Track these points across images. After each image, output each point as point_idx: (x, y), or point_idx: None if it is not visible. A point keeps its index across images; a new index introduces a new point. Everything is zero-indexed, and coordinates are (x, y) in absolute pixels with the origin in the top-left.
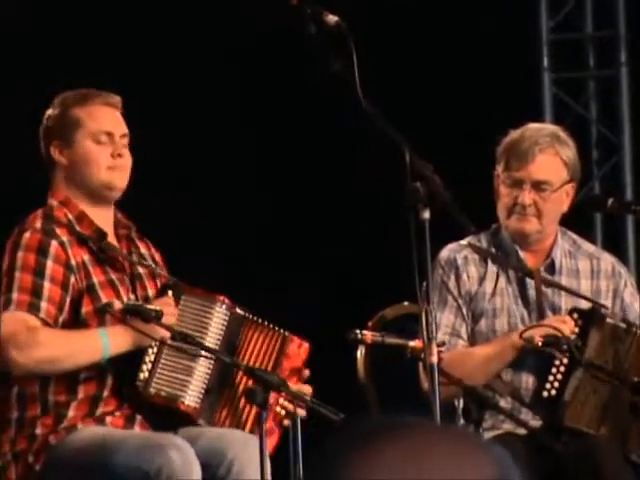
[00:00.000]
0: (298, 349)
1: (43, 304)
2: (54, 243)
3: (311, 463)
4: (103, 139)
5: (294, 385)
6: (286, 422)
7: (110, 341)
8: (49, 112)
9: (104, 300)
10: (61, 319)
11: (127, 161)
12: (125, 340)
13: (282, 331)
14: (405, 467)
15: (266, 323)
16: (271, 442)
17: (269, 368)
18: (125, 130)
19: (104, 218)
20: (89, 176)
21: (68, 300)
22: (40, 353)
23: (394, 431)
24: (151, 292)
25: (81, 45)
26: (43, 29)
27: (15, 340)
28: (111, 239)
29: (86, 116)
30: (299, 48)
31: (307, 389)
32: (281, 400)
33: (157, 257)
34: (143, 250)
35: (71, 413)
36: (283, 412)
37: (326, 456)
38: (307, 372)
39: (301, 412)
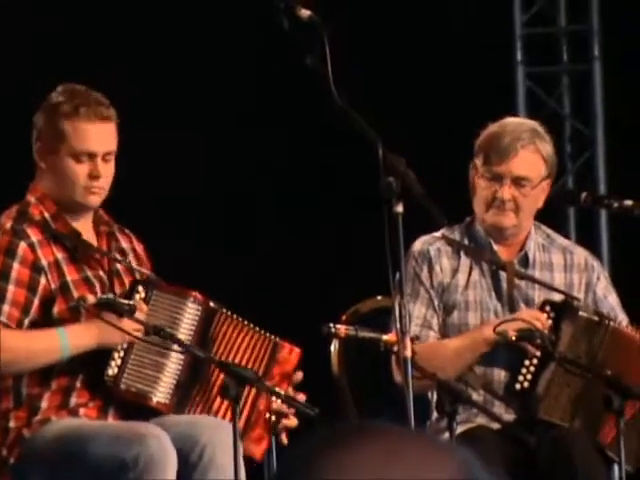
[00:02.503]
0: (289, 355)
1: (5, 307)
2: (22, 245)
3: (280, 469)
4: (84, 158)
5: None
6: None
7: (69, 341)
8: (43, 108)
9: None
10: (28, 321)
11: (105, 181)
12: (85, 339)
13: (272, 337)
14: (374, 473)
15: (246, 322)
16: (260, 449)
17: (259, 373)
18: (110, 147)
19: (81, 217)
20: (65, 191)
21: (36, 302)
22: None
23: (362, 437)
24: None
25: (82, 45)
26: (45, 28)
27: None
28: (91, 236)
29: (72, 132)
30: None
31: (300, 397)
32: (274, 406)
33: (139, 250)
34: (124, 245)
35: (44, 404)
36: (273, 418)
37: (293, 464)
38: (299, 375)
39: (292, 422)
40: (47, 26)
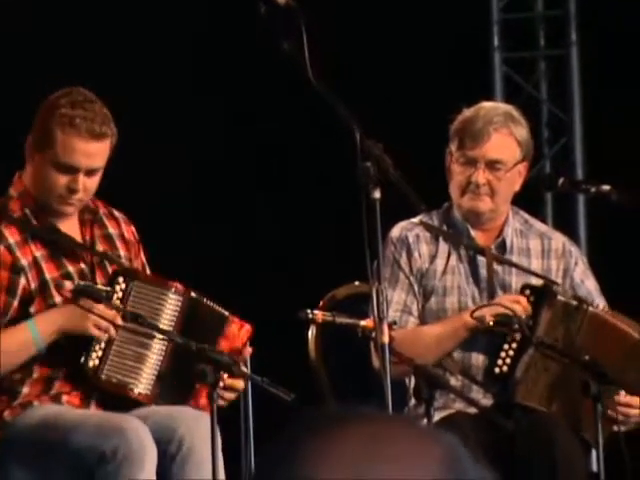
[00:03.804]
0: (238, 331)
1: None
2: (0, 248)
3: (263, 459)
4: (64, 170)
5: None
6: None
7: (39, 329)
8: (45, 104)
9: (57, 298)
10: (6, 320)
11: (83, 194)
12: (54, 324)
13: (222, 312)
14: (360, 459)
15: (210, 303)
16: None
17: (204, 344)
18: (95, 164)
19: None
20: (42, 193)
21: (15, 303)
22: None
23: (346, 424)
24: None
25: (80, 45)
26: (43, 29)
27: None
28: (74, 226)
29: (61, 141)
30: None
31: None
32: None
33: (127, 233)
34: (111, 230)
35: (25, 390)
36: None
37: (278, 454)
38: (249, 351)
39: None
40: (46, 25)
